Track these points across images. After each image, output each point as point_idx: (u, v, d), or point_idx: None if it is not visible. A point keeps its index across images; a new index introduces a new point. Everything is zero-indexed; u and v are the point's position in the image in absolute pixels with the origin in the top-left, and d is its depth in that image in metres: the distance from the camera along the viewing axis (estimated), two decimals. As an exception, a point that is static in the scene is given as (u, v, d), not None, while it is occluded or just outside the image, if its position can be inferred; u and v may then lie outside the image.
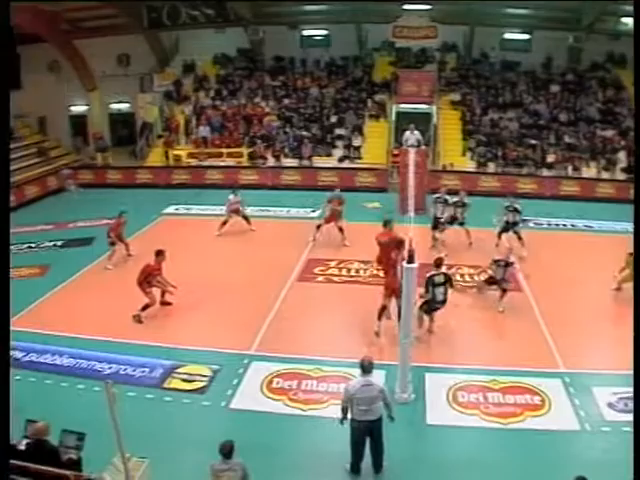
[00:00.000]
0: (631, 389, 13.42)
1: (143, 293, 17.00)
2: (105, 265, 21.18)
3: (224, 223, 24.55)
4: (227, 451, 8.96)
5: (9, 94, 9.69)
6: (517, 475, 11.03)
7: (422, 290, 15.52)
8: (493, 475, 11.05)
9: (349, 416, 10.56)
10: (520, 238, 22.13)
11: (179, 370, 14.32)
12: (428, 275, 15.80)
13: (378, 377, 13.40)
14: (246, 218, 25.03)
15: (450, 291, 15.95)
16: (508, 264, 17.53)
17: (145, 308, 16.92)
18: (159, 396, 13.34)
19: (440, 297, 15.69)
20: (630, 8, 34.49)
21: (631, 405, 12.84)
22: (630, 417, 12.40)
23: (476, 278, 19.69)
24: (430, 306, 15.83)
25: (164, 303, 17.75)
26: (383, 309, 15.87)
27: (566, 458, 11.38)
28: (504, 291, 17.56)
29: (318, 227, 23.62)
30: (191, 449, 11.27)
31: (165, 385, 13.79)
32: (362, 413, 10.35)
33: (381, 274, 17.26)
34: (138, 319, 16.79)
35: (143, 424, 11.83)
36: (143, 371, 14.27)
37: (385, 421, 10.63)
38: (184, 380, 13.97)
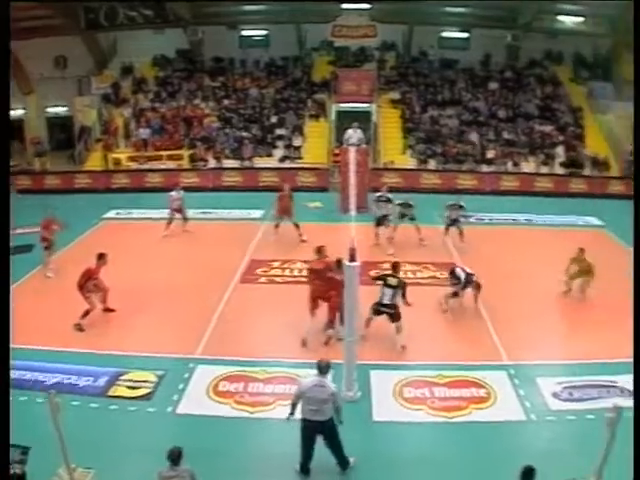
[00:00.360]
0: (574, 378, 13.84)
1: (83, 298, 16.69)
2: (45, 273, 20.70)
3: (169, 223, 24.38)
4: (175, 457, 8.82)
5: (9, 94, 9.61)
6: (465, 468, 11.11)
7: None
8: (441, 469, 11.12)
9: (298, 414, 10.55)
10: (461, 233, 22.46)
11: (124, 377, 14.05)
12: (382, 274, 16.17)
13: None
14: (185, 219, 24.90)
15: (400, 300, 15.56)
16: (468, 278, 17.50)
17: (85, 315, 16.55)
18: (104, 405, 13.06)
19: (385, 300, 15.45)
20: (566, 7, 35.32)
21: (576, 394, 13.36)
22: (576, 406, 12.93)
23: (419, 275, 19.93)
24: (375, 308, 15.65)
25: (107, 309, 17.44)
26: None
27: (513, 449, 11.53)
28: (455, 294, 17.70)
29: (276, 226, 23.93)
30: (138, 457, 11.08)
31: (110, 393, 13.49)
32: (312, 413, 10.33)
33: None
34: (79, 327, 16.40)
35: (88, 434, 11.55)
36: (87, 380, 13.93)
37: None
38: (129, 387, 13.72)
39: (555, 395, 13.39)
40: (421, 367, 14.52)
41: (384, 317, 15.60)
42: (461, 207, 22.91)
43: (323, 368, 10.47)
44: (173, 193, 24.70)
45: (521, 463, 8.77)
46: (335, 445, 10.67)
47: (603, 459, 8.61)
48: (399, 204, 22.94)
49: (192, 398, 13.31)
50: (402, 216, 22.98)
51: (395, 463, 11.26)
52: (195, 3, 37.81)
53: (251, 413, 12.76)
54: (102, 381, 13.93)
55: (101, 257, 17.12)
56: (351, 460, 10.87)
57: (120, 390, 13.65)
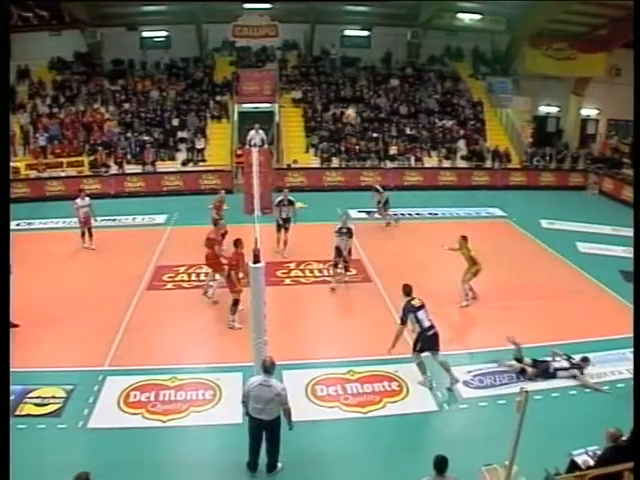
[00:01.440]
0: (485, 366, 14.40)
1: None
2: None
3: (83, 234, 23.58)
4: None
5: (9, 94, 9.34)
6: (380, 460, 11.25)
7: None
8: (359, 464, 11.25)
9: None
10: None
11: (31, 395, 13.59)
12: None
13: (235, 379, 13.51)
14: (90, 233, 23.77)
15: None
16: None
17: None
18: (12, 425, 12.67)
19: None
20: (466, 5, 35.93)
21: (486, 381, 13.87)
22: (486, 393, 13.36)
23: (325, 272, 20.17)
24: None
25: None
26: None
27: (427, 439, 11.93)
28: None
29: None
30: (51, 476, 10.76)
31: (17, 412, 12.99)
32: (257, 411, 10.34)
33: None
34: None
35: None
36: (-8, 400, 13.65)
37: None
38: (37, 405, 13.27)
39: (466, 383, 13.77)
40: (332, 365, 14.65)
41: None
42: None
43: (268, 367, 10.40)
44: (78, 200, 23.74)
45: (435, 452, 8.98)
46: (271, 447, 10.73)
47: (515, 442, 8.80)
48: (278, 202, 22.51)
49: (103, 411, 13.00)
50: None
51: (312, 460, 11.36)
52: (92, 4, 36.79)
53: (164, 422, 12.58)
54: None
55: (238, 243, 16.77)
56: (279, 466, 10.91)
57: (28, 408, 13.19)
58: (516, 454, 8.94)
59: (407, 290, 14.07)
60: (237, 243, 16.52)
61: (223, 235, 19.81)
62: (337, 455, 11.53)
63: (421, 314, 13.64)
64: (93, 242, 23.66)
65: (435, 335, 13.63)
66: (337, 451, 11.66)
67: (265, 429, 10.56)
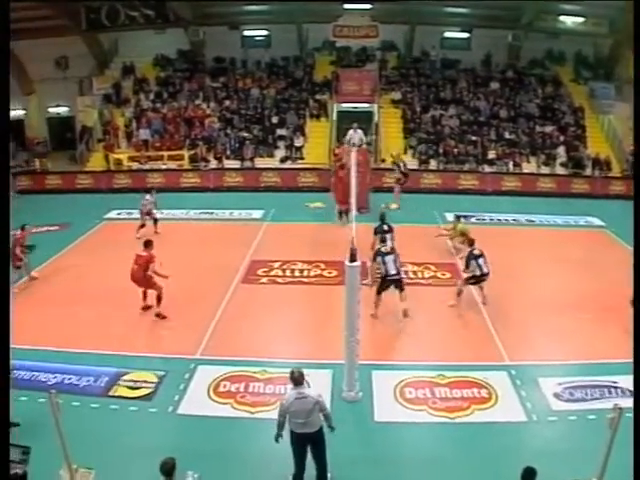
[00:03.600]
0: (576, 378, 13.78)
1: (149, 287, 17.10)
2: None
3: (142, 226, 24.18)
4: (167, 469, 8.55)
5: (9, 94, 9.62)
6: (466, 468, 11.04)
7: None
8: (443, 469, 11.06)
9: (288, 427, 10.20)
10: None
11: (125, 377, 14.03)
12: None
13: (325, 376, 13.50)
14: (155, 221, 24.75)
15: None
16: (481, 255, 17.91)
17: (159, 301, 16.97)
18: (105, 405, 13.03)
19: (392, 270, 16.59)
20: (568, 7, 35.22)
21: (577, 394, 13.30)
22: (577, 406, 12.86)
23: (419, 275, 19.86)
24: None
25: (146, 307, 17.56)
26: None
27: (514, 449, 11.47)
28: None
29: None
30: (139, 457, 10.98)
31: (111, 393, 13.48)
32: (299, 426, 10.04)
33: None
34: (160, 315, 16.98)
35: (89, 434, 11.51)
36: (88, 380, 13.92)
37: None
38: (130, 387, 13.70)
39: (556, 395, 13.34)
40: (422, 367, 14.46)
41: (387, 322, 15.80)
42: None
43: (298, 379, 10.06)
44: (147, 197, 24.68)
45: (522, 464, 8.70)
46: (319, 456, 10.39)
47: (604, 460, 8.56)
48: None
49: (193, 398, 13.29)
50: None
51: (396, 464, 11.21)
52: (196, 3, 37.69)
53: (252, 413, 12.73)
54: (103, 381, 13.92)
55: (148, 244, 17.18)
56: (329, 476, 10.56)
57: (121, 390, 13.63)
58: (605, 472, 8.71)
59: (471, 242, 17.93)
60: (147, 244, 17.22)
61: None
62: (421, 459, 11.40)
63: (481, 260, 17.26)
64: (158, 227, 24.62)
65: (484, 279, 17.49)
66: (421, 455, 11.54)
67: (310, 442, 10.27)
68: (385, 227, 19.62)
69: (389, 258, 16.69)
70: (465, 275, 17.94)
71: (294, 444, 10.27)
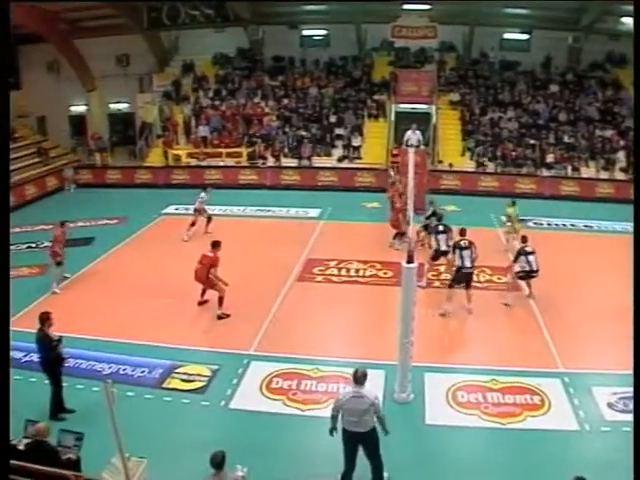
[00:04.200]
0: (631, 389, 13.57)
1: (211, 288, 17.26)
2: (53, 290, 19.28)
3: (192, 224, 24.32)
4: (217, 462, 8.66)
5: (9, 94, 9.72)
6: (516, 475, 10.99)
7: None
8: (493, 475, 11.03)
9: (340, 426, 10.26)
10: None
11: (178, 370, 14.30)
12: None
13: (378, 377, 13.49)
14: (209, 219, 24.79)
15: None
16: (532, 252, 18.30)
17: (221, 302, 17.10)
18: (158, 396, 13.31)
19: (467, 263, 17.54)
20: (630, 8, 34.56)
21: (631, 405, 12.79)
22: (630, 417, 12.49)
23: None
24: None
25: (202, 302, 17.84)
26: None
27: (565, 458, 11.33)
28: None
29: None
30: (190, 449, 11.17)
31: (164, 385, 13.76)
32: (352, 424, 10.05)
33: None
34: (224, 315, 17.09)
35: (142, 424, 11.78)
36: (142, 371, 14.24)
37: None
38: (183, 380, 13.94)
39: (610, 405, 13.14)
40: (475, 372, 14.42)
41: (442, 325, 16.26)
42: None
43: (359, 378, 10.04)
44: (203, 194, 24.81)
45: (573, 473, 8.55)
46: (373, 457, 10.36)
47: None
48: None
49: (245, 393, 13.46)
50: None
51: (446, 467, 11.23)
52: (255, 2, 38.04)
53: (303, 411, 12.85)
54: (157, 373, 14.22)
55: (216, 245, 17.31)
56: (385, 476, 10.52)
57: (174, 382, 13.89)
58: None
59: (524, 239, 18.57)
60: (215, 244, 17.23)
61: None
62: (471, 463, 11.34)
63: (531, 257, 17.89)
64: (210, 227, 24.57)
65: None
66: (471, 459, 11.49)
67: (362, 441, 10.24)
68: (440, 227, 19.70)
69: (466, 253, 17.41)
70: (515, 269, 18.41)
71: (345, 442, 10.29)
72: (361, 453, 10.29)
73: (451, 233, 19.51)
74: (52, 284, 19.05)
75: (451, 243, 19.02)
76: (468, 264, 17.37)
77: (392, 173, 26.54)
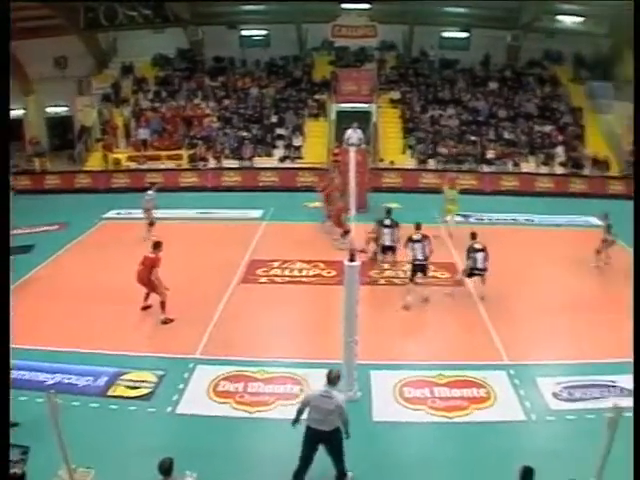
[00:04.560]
0: (575, 378, 13.88)
1: (152, 291, 17.02)
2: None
3: (151, 224, 24.05)
4: (165, 469, 8.60)
5: (9, 94, 9.64)
6: (465, 468, 11.11)
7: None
8: (442, 469, 11.15)
9: (305, 421, 10.36)
10: None
11: (124, 377, 14.06)
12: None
13: (323, 376, 13.54)
14: (152, 223, 24.27)
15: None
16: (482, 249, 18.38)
17: (164, 306, 16.88)
18: (104, 404, 13.07)
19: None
20: (566, 7, 35.25)
21: (576, 394, 13.36)
22: (576, 406, 12.90)
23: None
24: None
25: (146, 307, 17.57)
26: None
27: (513, 448, 11.52)
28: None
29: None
30: (138, 457, 10.99)
31: (110, 393, 13.50)
32: (316, 422, 10.16)
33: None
34: (167, 320, 16.84)
35: (88, 434, 11.56)
36: (87, 380, 13.94)
37: None
38: (129, 387, 13.73)
39: (555, 395, 13.41)
40: (421, 367, 14.52)
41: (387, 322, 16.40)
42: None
43: (333, 379, 10.23)
44: (150, 192, 24.50)
45: (521, 463, 8.72)
46: (337, 456, 10.44)
47: (603, 460, 8.55)
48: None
49: (192, 398, 13.31)
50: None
51: (395, 463, 11.25)
52: (195, 3, 37.74)
53: (251, 413, 12.76)
54: (102, 381, 13.94)
55: (157, 246, 17.03)
56: (349, 475, 10.61)
57: (120, 390, 13.66)
58: (603, 473, 8.71)
59: (473, 235, 18.58)
60: (156, 245, 17.01)
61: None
62: (420, 459, 11.44)
63: (479, 255, 17.93)
64: (152, 232, 23.77)
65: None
66: (420, 455, 11.58)
67: (325, 441, 10.33)
68: (387, 222, 20.05)
69: (417, 245, 17.87)
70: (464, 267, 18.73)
71: (306, 439, 10.37)
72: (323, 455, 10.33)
73: (397, 229, 19.84)
74: None
75: (396, 239, 19.60)
76: (420, 256, 17.72)
77: (332, 171, 26.58)
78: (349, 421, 10.37)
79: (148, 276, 16.66)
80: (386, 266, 20.52)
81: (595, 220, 25.49)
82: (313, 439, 10.29)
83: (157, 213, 24.78)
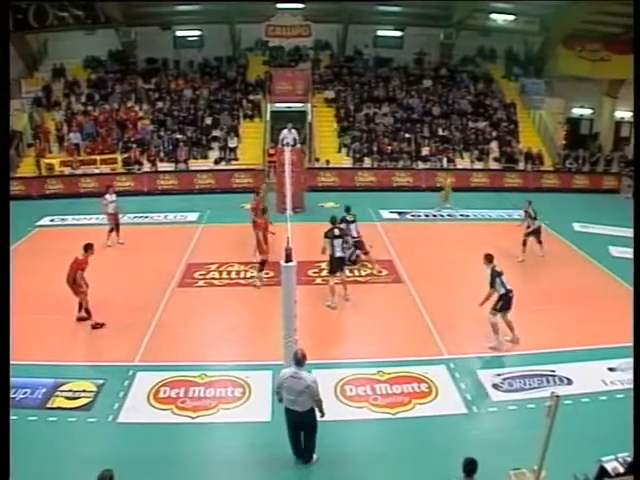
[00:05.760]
0: (514, 369, 14.26)
1: (75, 293, 16.68)
2: None
3: (111, 231, 23.62)
4: None
5: (9, 94, 9.52)
6: (409, 462, 11.23)
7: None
8: (386, 465, 11.22)
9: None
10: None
11: (62, 388, 13.76)
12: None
13: (265, 378, 13.60)
14: (118, 228, 23.86)
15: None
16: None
17: (86, 311, 16.70)
18: (43, 417, 12.76)
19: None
20: (499, 5, 35.79)
21: (516, 384, 13.69)
22: (516, 396, 13.20)
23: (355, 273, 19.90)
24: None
25: (81, 319, 17.11)
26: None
27: (455, 441, 11.70)
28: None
29: None
30: (79, 468, 10.71)
31: (49, 405, 13.18)
32: (290, 402, 10.55)
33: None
34: (98, 325, 16.62)
35: (28, 448, 11.32)
36: (24, 392, 13.56)
37: None
38: (68, 398, 13.42)
39: (495, 386, 13.68)
40: (361, 365, 14.63)
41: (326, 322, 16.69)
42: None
43: (300, 360, 10.52)
44: (107, 196, 23.86)
45: (464, 455, 8.89)
46: (308, 438, 10.92)
47: (544, 448, 8.70)
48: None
49: (133, 406, 13.13)
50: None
51: (339, 461, 11.32)
52: (126, 3, 37.25)
53: (193, 418, 12.65)
54: (40, 393, 13.61)
55: (88, 248, 16.85)
56: (314, 457, 11.09)
57: (59, 401, 13.36)
58: (545, 459, 8.86)
59: (490, 258, 15.77)
60: (87, 247, 16.93)
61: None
62: (365, 456, 11.51)
63: (503, 278, 15.35)
64: (120, 237, 23.81)
65: (513, 297, 15.29)
66: (365, 452, 11.65)
67: (299, 420, 10.69)
68: (336, 232, 18.18)
69: (337, 242, 17.68)
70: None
71: (287, 421, 10.88)
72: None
73: (348, 237, 19.39)
74: None
75: (346, 246, 18.95)
76: (339, 253, 17.75)
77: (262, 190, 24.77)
78: (322, 400, 10.65)
79: (74, 277, 16.48)
80: (324, 265, 20.27)
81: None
82: (292, 421, 10.80)
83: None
